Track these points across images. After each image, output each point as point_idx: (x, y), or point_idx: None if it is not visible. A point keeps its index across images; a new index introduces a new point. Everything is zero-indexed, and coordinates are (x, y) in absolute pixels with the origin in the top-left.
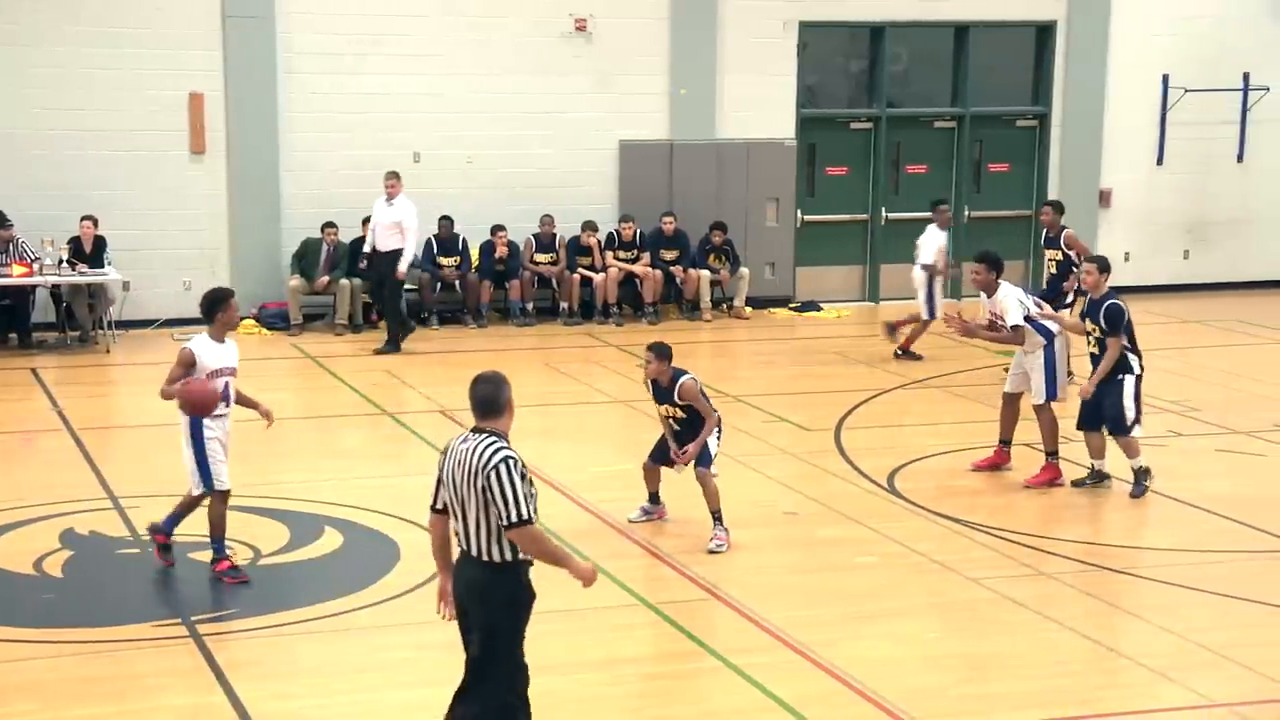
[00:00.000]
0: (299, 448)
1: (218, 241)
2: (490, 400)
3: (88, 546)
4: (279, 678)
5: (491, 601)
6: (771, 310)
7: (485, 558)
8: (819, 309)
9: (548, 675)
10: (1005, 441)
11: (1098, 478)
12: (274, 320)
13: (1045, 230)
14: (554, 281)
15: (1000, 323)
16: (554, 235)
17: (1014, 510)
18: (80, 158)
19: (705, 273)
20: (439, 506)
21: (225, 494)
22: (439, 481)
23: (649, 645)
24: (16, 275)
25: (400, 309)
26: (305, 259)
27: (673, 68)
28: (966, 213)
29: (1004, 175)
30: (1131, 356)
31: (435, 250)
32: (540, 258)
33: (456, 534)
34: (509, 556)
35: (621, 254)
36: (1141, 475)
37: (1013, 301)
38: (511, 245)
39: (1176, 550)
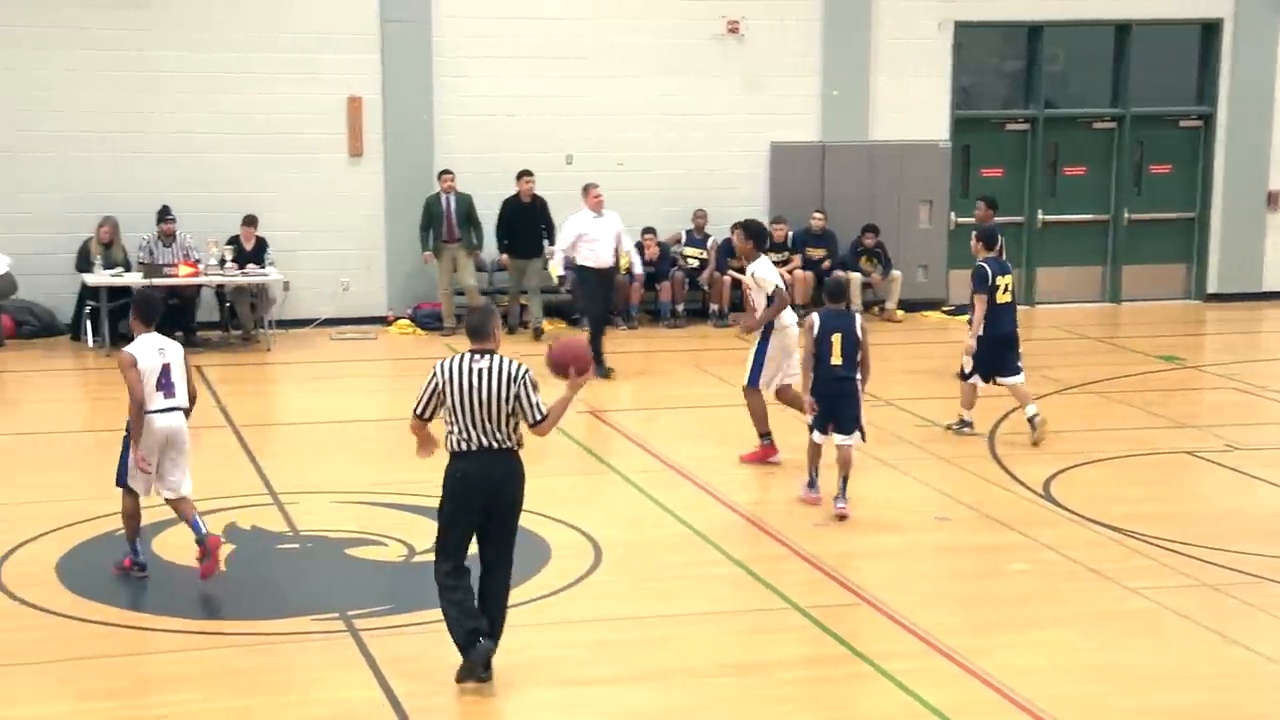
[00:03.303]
0: None
1: (374, 243)
2: (482, 326)
3: (249, 541)
4: (433, 674)
5: (521, 480)
6: (924, 313)
7: (510, 448)
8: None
9: (695, 677)
10: (764, 435)
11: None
12: (428, 320)
13: None
14: (704, 283)
15: (752, 294)
16: (707, 235)
17: (1176, 519)
18: (242, 160)
19: (857, 275)
20: (427, 416)
21: None
22: (434, 394)
23: (798, 649)
24: (184, 275)
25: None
26: (430, 225)
27: (825, 69)
28: (1126, 215)
29: (1166, 177)
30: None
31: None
32: (690, 251)
33: (468, 435)
34: (519, 444)
35: (772, 256)
36: (960, 424)
37: (771, 271)
38: (662, 247)
39: None
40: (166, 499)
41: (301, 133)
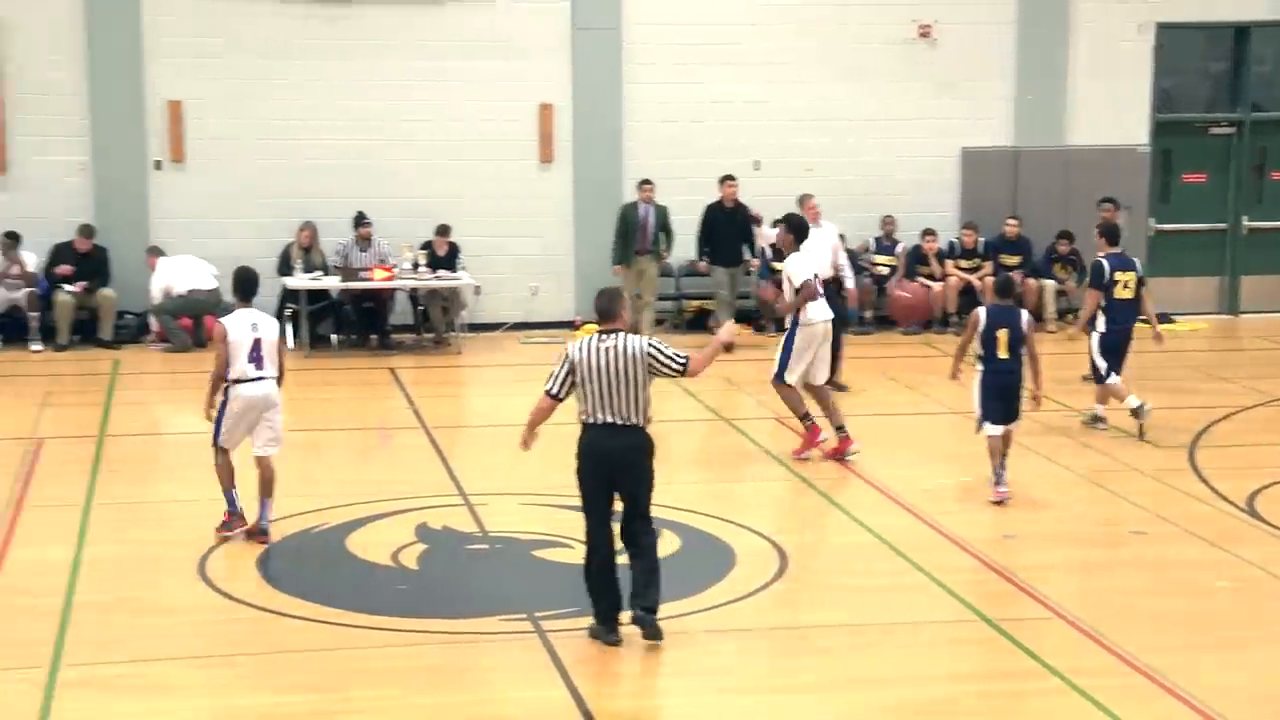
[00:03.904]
0: None
1: (563, 248)
2: (609, 308)
3: (440, 541)
4: (617, 677)
5: (650, 453)
6: None
7: (640, 423)
8: (1172, 321)
9: (881, 689)
10: (839, 427)
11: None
12: None
13: None
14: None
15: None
16: (896, 241)
17: None
18: (435, 166)
19: (1050, 282)
20: (560, 394)
21: None
22: (570, 374)
23: (987, 662)
24: (379, 279)
25: None
26: (626, 234)
27: (1019, 72)
28: None
29: None
30: (1099, 315)
31: (772, 258)
32: (879, 259)
33: (600, 413)
34: (647, 420)
35: (962, 263)
36: (1139, 413)
37: (796, 266)
38: (850, 254)
39: None
40: (257, 455)
41: (494, 139)
